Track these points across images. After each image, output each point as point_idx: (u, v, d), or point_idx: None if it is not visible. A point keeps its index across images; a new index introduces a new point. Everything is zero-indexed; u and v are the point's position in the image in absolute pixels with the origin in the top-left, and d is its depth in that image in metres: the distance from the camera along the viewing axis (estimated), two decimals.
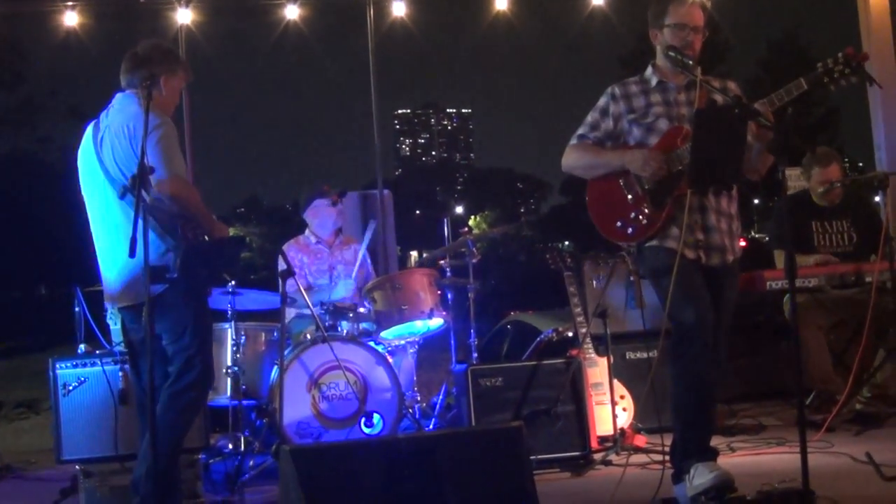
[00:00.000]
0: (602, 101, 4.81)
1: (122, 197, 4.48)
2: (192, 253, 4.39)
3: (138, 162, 4.09)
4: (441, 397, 6.71)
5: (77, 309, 5.85)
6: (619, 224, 4.69)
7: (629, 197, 4.66)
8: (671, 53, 4.59)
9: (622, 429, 5.89)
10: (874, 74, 8.15)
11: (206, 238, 4.54)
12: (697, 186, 4.48)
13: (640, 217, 4.63)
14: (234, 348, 6.01)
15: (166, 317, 4.50)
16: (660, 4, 4.70)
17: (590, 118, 4.83)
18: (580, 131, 4.84)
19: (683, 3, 4.64)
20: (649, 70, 4.79)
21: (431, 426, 6.34)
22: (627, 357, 6.50)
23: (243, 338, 6.11)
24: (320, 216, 6.94)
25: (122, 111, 4.63)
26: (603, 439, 5.93)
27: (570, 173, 4.92)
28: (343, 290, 6.62)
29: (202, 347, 4.63)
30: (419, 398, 6.55)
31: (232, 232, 5.68)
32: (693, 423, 4.51)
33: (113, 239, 4.59)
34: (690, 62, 4.55)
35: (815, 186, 6.69)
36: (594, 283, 6.65)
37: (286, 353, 5.94)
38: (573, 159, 4.86)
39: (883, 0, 8.29)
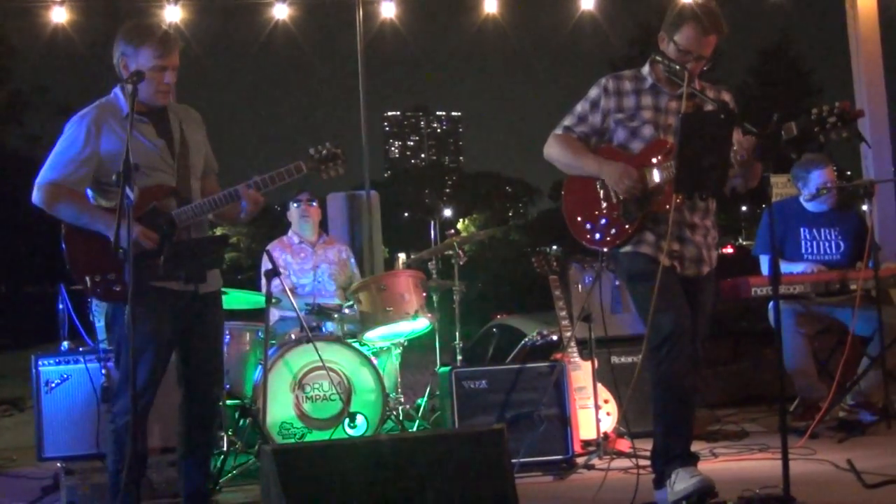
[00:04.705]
0: (594, 93, 4.73)
1: None
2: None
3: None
4: (425, 399, 6.71)
5: (61, 306, 5.82)
6: (588, 227, 4.67)
7: (603, 203, 4.63)
8: (667, 64, 4.51)
9: (605, 433, 5.89)
10: (863, 83, 8.26)
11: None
12: (684, 191, 4.42)
13: (609, 225, 4.61)
14: None
15: None
16: (678, 17, 4.56)
17: (579, 108, 4.75)
18: (567, 122, 4.76)
19: (698, 30, 4.50)
20: (646, 68, 4.70)
21: (415, 428, 6.33)
22: (612, 361, 6.48)
23: (228, 337, 6.09)
24: (294, 220, 7.19)
25: None
26: (586, 443, 5.93)
27: (550, 163, 4.86)
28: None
29: (124, 373, 4.26)
30: (403, 400, 6.54)
31: (219, 231, 5.62)
32: (673, 429, 4.52)
33: None
34: (685, 72, 4.46)
35: (822, 190, 6.59)
36: (579, 286, 6.65)
37: (270, 352, 5.93)
38: (555, 152, 4.78)
39: (871, 9, 8.33)
